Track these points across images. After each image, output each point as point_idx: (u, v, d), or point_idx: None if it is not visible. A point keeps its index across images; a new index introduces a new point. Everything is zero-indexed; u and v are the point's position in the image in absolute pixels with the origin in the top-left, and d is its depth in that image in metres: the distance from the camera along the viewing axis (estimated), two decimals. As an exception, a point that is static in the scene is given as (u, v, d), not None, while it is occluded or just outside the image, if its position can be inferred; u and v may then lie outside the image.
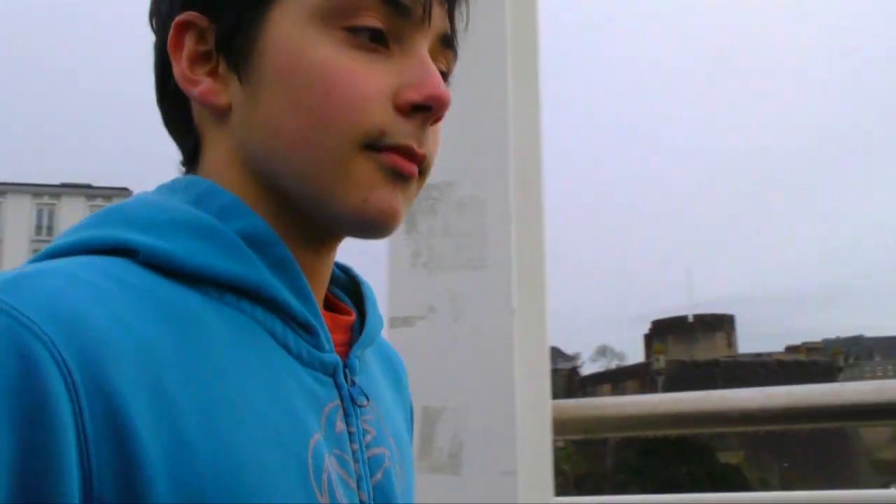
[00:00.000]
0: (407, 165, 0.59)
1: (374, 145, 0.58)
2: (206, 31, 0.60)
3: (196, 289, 0.55)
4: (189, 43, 0.60)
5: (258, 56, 0.59)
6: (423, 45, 0.60)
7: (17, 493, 0.43)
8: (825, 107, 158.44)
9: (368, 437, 0.63)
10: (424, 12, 0.59)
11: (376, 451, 0.63)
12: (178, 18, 0.60)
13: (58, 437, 0.44)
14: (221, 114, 0.61)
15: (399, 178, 0.59)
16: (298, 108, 0.57)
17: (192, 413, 0.49)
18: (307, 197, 0.59)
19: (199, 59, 0.61)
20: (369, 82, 0.57)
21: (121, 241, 0.54)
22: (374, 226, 0.59)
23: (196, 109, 0.63)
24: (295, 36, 0.58)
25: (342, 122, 0.57)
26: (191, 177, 0.61)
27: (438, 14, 0.61)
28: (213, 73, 0.61)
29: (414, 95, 0.58)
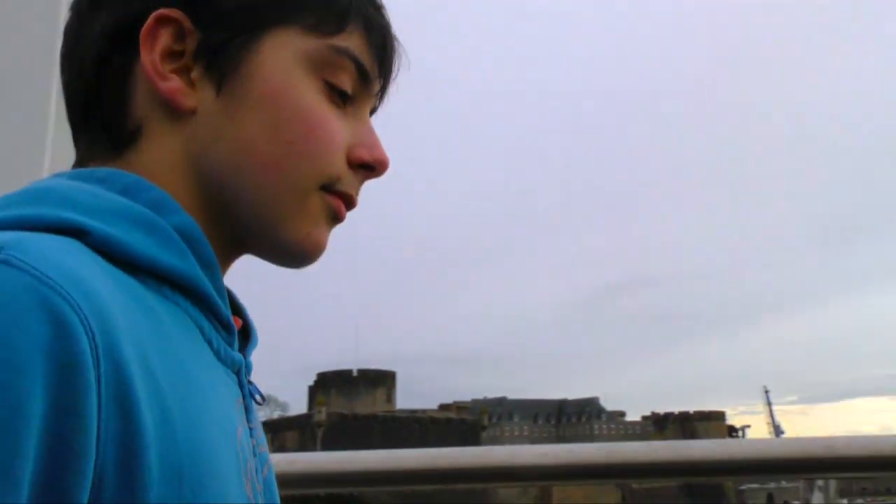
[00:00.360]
0: (343, 212, 0.68)
1: (328, 188, 0.66)
2: (185, 33, 0.63)
3: (137, 278, 0.56)
4: (165, 38, 0.62)
5: (244, 77, 0.63)
6: (367, 112, 0.70)
7: (48, 452, 0.44)
8: (474, 195, 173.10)
9: (258, 434, 0.66)
10: (381, 90, 0.71)
11: (262, 448, 0.66)
12: (161, 11, 0.62)
13: (87, 400, 0.45)
14: (180, 115, 0.63)
15: (335, 220, 0.68)
16: (277, 137, 0.63)
17: (169, 391, 0.51)
18: (257, 215, 0.64)
19: (168, 55, 0.63)
20: (338, 134, 0.66)
21: (68, 221, 0.54)
22: (306, 256, 0.67)
23: (144, 101, 0.63)
24: (285, 72, 0.64)
25: (314, 162, 0.64)
26: (109, 169, 0.62)
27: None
28: (180, 73, 0.63)
29: (365, 155, 0.67)
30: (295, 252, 0.66)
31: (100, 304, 0.48)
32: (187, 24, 0.63)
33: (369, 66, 0.67)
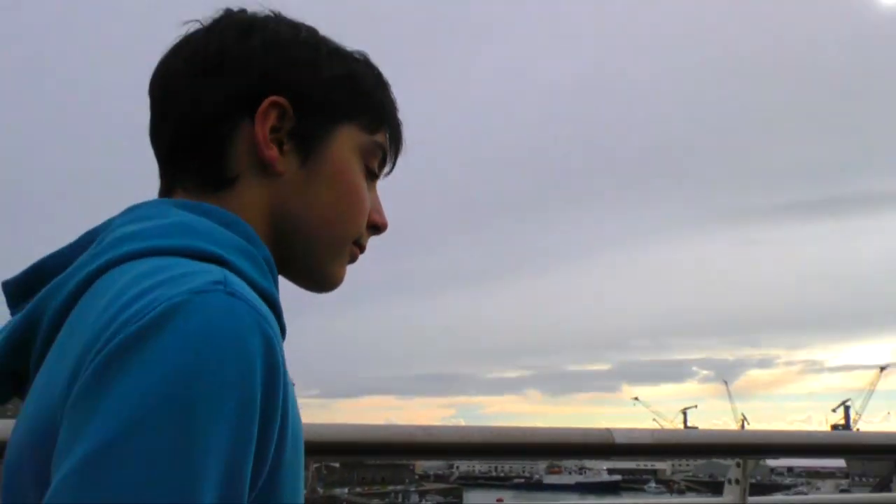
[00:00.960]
0: (357, 257, 0.92)
1: (356, 241, 0.90)
2: (286, 117, 0.83)
3: None
4: (273, 117, 0.82)
5: (321, 157, 0.85)
6: (375, 185, 0.93)
7: (261, 432, 0.63)
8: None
9: None
10: (388, 173, 0.94)
11: None
12: (274, 98, 0.82)
13: (279, 393, 0.64)
14: (270, 175, 0.83)
15: (352, 261, 0.91)
16: (337, 205, 0.86)
17: (291, 412, 0.68)
18: (310, 256, 0.86)
19: (271, 130, 0.83)
20: (367, 204, 0.89)
21: (215, 254, 0.71)
22: (333, 287, 0.90)
23: (244, 157, 0.82)
24: (347, 157, 0.87)
25: (355, 224, 0.88)
26: (211, 204, 0.79)
27: None
28: (276, 144, 0.83)
29: (378, 219, 0.92)
30: (327, 283, 0.89)
31: (272, 321, 0.67)
32: (290, 111, 0.83)
33: (389, 156, 0.92)
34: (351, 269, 0.91)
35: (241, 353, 0.60)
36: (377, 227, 0.92)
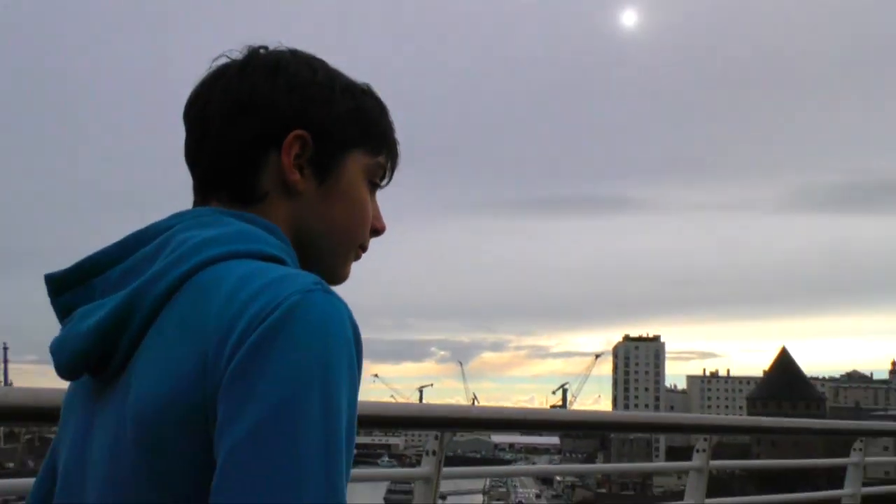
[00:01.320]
0: (361, 256, 1.09)
1: (360, 245, 1.07)
2: (307, 146, 0.99)
3: None
4: (296, 147, 0.99)
5: (335, 178, 1.02)
6: (375, 194, 1.10)
7: (351, 405, 0.82)
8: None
9: None
10: (387, 185, 1.10)
11: None
12: (298, 132, 0.98)
13: (360, 369, 0.86)
14: (293, 194, 1.00)
15: (356, 260, 1.08)
16: (347, 217, 1.03)
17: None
18: (322, 259, 1.03)
19: (294, 157, 0.99)
20: (371, 215, 1.07)
21: (276, 256, 0.92)
22: (339, 283, 1.06)
23: (272, 179, 0.99)
24: (356, 178, 1.04)
25: (362, 233, 1.06)
26: (251, 214, 0.97)
27: None
28: (298, 169, 0.99)
29: (378, 225, 1.09)
30: (337, 280, 1.06)
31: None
32: (310, 142, 0.99)
33: (388, 172, 1.10)
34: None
35: (347, 338, 0.83)
36: (377, 231, 1.10)
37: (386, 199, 1.10)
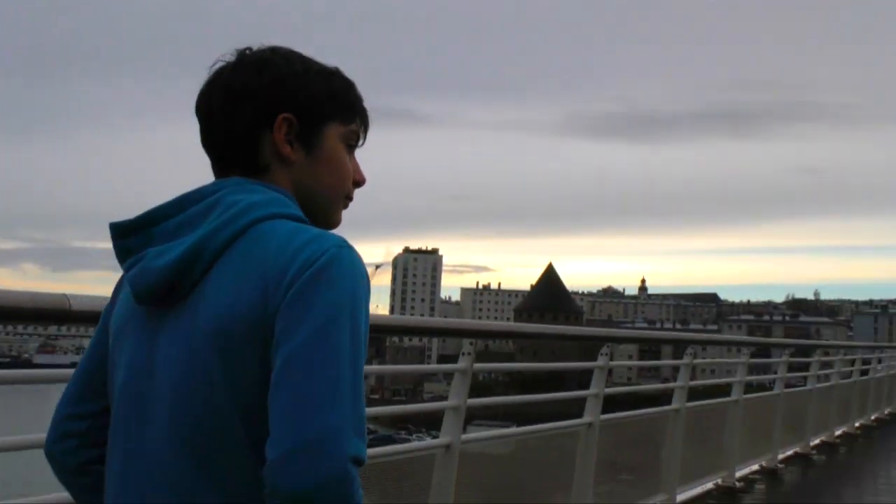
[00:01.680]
0: (348, 205, 1.36)
1: (347, 196, 1.34)
2: (293, 124, 1.25)
3: None
4: (285, 126, 1.24)
5: (319, 148, 1.27)
6: (353, 152, 1.36)
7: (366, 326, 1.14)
8: None
9: None
10: (361, 145, 1.36)
11: None
12: (285, 115, 1.24)
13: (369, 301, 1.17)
14: (287, 163, 1.25)
15: (345, 208, 1.35)
16: (332, 178, 1.30)
17: None
18: (318, 212, 1.28)
19: (284, 134, 1.25)
20: (351, 171, 1.33)
21: (301, 217, 1.21)
22: (334, 227, 1.32)
23: (269, 153, 1.25)
24: (335, 145, 1.29)
25: (345, 188, 1.32)
26: (270, 184, 1.23)
27: None
28: (289, 143, 1.25)
29: (359, 179, 1.35)
30: (333, 226, 1.31)
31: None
32: (295, 121, 1.25)
33: (362, 134, 1.35)
34: None
35: (366, 280, 1.15)
36: (358, 183, 1.35)
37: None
